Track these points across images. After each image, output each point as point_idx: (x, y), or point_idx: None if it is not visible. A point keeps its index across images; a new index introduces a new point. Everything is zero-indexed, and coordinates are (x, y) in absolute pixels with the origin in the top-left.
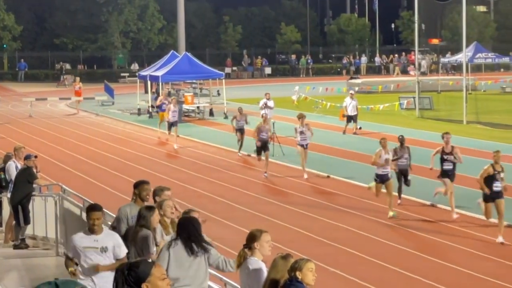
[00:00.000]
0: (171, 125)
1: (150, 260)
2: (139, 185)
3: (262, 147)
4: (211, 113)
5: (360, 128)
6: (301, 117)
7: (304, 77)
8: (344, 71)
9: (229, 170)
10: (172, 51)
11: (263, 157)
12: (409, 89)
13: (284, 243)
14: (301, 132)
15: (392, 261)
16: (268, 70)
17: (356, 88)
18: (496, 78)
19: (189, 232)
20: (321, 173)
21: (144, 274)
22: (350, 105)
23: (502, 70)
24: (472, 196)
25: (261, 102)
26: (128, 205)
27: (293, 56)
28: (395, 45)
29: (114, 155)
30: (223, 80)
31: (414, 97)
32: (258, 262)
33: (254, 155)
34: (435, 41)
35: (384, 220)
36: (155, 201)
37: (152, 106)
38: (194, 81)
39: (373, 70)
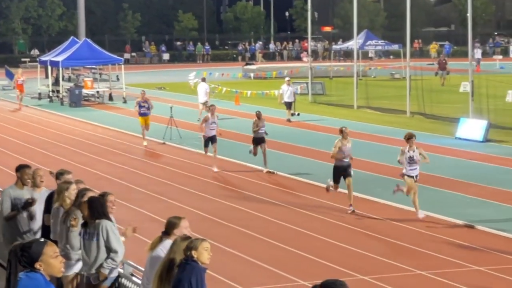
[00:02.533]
0: (208, 140)
1: (42, 240)
2: (20, 169)
3: (210, 139)
4: (110, 98)
5: (298, 114)
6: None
7: (201, 63)
8: (239, 58)
9: (127, 153)
10: (72, 37)
11: (210, 153)
12: (302, 75)
13: None
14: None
15: (286, 241)
16: (166, 56)
17: (252, 74)
18: (385, 65)
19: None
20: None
21: (37, 253)
22: (287, 92)
23: (391, 57)
24: (364, 178)
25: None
26: (11, 187)
27: (191, 43)
28: (289, 32)
29: (15, 138)
30: (122, 66)
31: (307, 83)
32: None
33: (170, 143)
34: (327, 28)
35: (280, 202)
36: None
37: (53, 91)
38: (94, 66)
39: (267, 56)
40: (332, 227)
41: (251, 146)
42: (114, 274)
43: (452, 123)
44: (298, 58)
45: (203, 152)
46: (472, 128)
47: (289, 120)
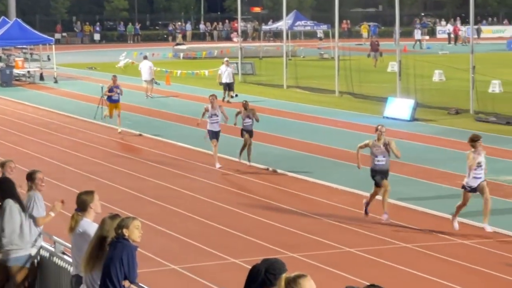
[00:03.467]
0: (214, 135)
1: None
2: None
3: (214, 134)
4: (41, 78)
5: (236, 95)
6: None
7: (132, 44)
8: (170, 38)
9: (59, 132)
10: (2, 17)
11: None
12: (232, 55)
13: (112, 203)
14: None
15: (215, 219)
16: (97, 37)
17: (181, 54)
18: (314, 45)
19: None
20: (151, 136)
21: None
22: (225, 73)
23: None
24: (294, 156)
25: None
26: None
27: (121, 23)
28: (219, 13)
29: None
30: (53, 46)
31: (237, 63)
32: (90, 223)
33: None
34: (257, 9)
35: (208, 180)
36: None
37: None
38: (24, 46)
39: (198, 36)
40: (261, 206)
41: (205, 132)
42: (20, 254)
43: (380, 102)
44: (228, 39)
45: (211, 145)
46: (399, 107)
47: (228, 102)
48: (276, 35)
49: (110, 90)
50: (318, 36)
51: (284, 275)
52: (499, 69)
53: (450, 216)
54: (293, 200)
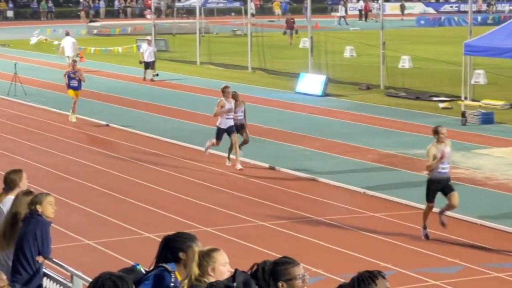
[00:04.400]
0: (223, 132)
1: None
2: None
3: (226, 131)
4: None
5: (157, 75)
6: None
7: (46, 20)
8: (83, 15)
9: None
10: None
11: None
12: (145, 31)
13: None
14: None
15: (131, 194)
16: (10, 14)
17: (95, 31)
18: (227, 22)
19: None
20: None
21: None
22: (147, 52)
23: (233, 14)
24: (203, 131)
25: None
26: None
27: (34, 0)
28: None
29: None
30: None
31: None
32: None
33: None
34: None
35: (128, 158)
36: None
37: None
38: None
39: (111, 14)
40: (177, 181)
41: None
42: None
43: (292, 78)
44: (141, 16)
45: (212, 143)
46: (311, 83)
47: (151, 80)
48: (190, 12)
49: (68, 77)
50: (250, 12)
51: (197, 249)
52: (408, 45)
53: (361, 190)
54: (208, 175)
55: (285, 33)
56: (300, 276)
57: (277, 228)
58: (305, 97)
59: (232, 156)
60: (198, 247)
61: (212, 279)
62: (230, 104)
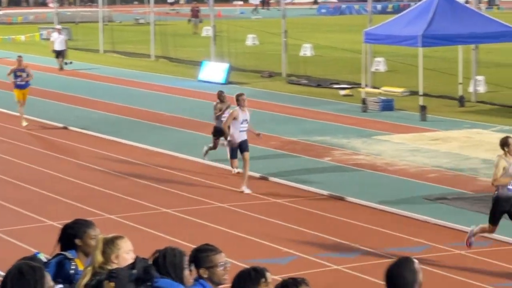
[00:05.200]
0: (237, 149)
1: None
2: None
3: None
4: None
5: (71, 63)
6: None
7: None
8: None
9: None
10: None
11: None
12: (48, 20)
13: None
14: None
15: (33, 183)
16: None
17: None
18: (130, 10)
19: None
20: None
21: None
22: (57, 40)
23: (135, 2)
24: (114, 120)
25: None
26: None
27: None
28: None
29: None
30: None
31: (53, 28)
32: None
33: None
34: None
35: (32, 146)
36: None
37: None
38: None
39: (14, 2)
40: (80, 169)
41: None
42: None
43: (195, 66)
44: (44, 4)
45: (230, 164)
46: (214, 71)
47: (61, 69)
48: (92, 0)
49: (15, 75)
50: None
51: (101, 236)
52: (310, 33)
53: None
54: (108, 163)
55: (189, 21)
56: (222, 263)
57: (180, 215)
58: (208, 85)
59: (290, 184)
60: (95, 232)
61: (116, 267)
62: (245, 114)
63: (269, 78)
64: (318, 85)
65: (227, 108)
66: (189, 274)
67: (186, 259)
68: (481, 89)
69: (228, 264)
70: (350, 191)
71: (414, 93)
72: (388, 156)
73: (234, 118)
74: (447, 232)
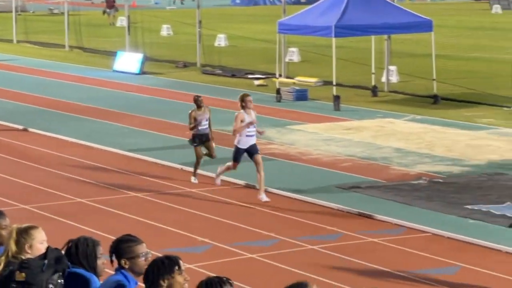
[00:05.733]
0: (242, 153)
1: None
2: None
3: (247, 151)
4: None
5: None
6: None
7: None
8: None
9: None
10: None
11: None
12: None
13: None
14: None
15: None
16: None
17: None
18: (44, 0)
19: None
20: None
21: None
22: None
23: None
24: (25, 111)
25: None
26: None
27: None
28: None
29: None
30: None
31: None
32: None
33: None
34: None
35: None
36: None
37: None
38: None
39: None
40: None
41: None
42: None
43: (109, 56)
44: None
45: (227, 167)
46: (128, 61)
47: None
48: None
49: None
50: None
51: (15, 226)
52: (224, 23)
53: (179, 166)
54: (22, 153)
55: (104, 12)
56: (143, 254)
57: (94, 204)
58: (122, 75)
59: (205, 173)
60: (5, 222)
61: (29, 256)
62: (250, 116)
63: (183, 69)
64: (233, 75)
65: (205, 117)
66: (102, 264)
67: (100, 248)
68: (394, 79)
69: (149, 255)
70: (265, 180)
71: (328, 83)
72: (302, 146)
73: (242, 121)
74: (360, 221)
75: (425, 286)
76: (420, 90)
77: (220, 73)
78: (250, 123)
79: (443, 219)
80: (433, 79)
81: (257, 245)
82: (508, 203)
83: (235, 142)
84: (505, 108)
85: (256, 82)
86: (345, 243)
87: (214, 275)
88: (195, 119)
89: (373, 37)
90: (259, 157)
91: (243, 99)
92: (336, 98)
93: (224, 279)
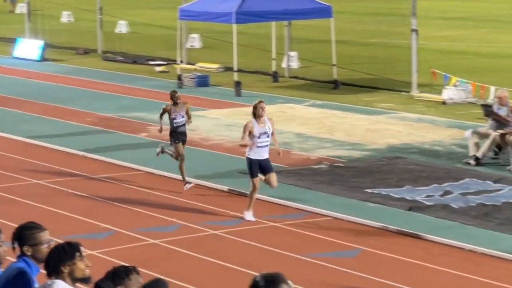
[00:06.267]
0: (256, 166)
1: None
2: None
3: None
4: None
5: None
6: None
7: None
8: None
9: None
10: None
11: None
12: None
13: None
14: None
15: None
16: None
17: None
18: None
19: None
20: None
21: None
22: None
23: None
24: None
25: None
26: None
27: None
28: None
29: None
30: None
31: None
32: None
33: None
34: None
35: None
36: None
37: None
38: None
39: None
40: None
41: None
42: None
43: (9, 43)
44: None
45: (252, 191)
46: (28, 48)
47: None
48: None
49: None
50: None
51: None
52: (125, 10)
53: (81, 153)
54: None
55: (5, 0)
56: (46, 241)
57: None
58: (22, 62)
59: (104, 159)
60: (1, 239)
61: None
62: (263, 127)
63: (84, 55)
64: (134, 62)
65: (181, 113)
66: (4, 252)
67: (1, 236)
68: (294, 64)
69: (52, 242)
70: (166, 166)
71: (229, 69)
72: (203, 132)
73: (250, 133)
74: (262, 205)
75: (326, 269)
76: (321, 76)
77: (121, 60)
78: (244, 145)
79: (344, 203)
80: (333, 65)
81: (160, 231)
82: (407, 186)
83: (246, 154)
84: (403, 93)
85: (158, 69)
86: (247, 227)
87: (121, 263)
88: (169, 114)
89: (273, 23)
90: (273, 176)
91: (255, 106)
92: (237, 84)
93: (131, 267)
